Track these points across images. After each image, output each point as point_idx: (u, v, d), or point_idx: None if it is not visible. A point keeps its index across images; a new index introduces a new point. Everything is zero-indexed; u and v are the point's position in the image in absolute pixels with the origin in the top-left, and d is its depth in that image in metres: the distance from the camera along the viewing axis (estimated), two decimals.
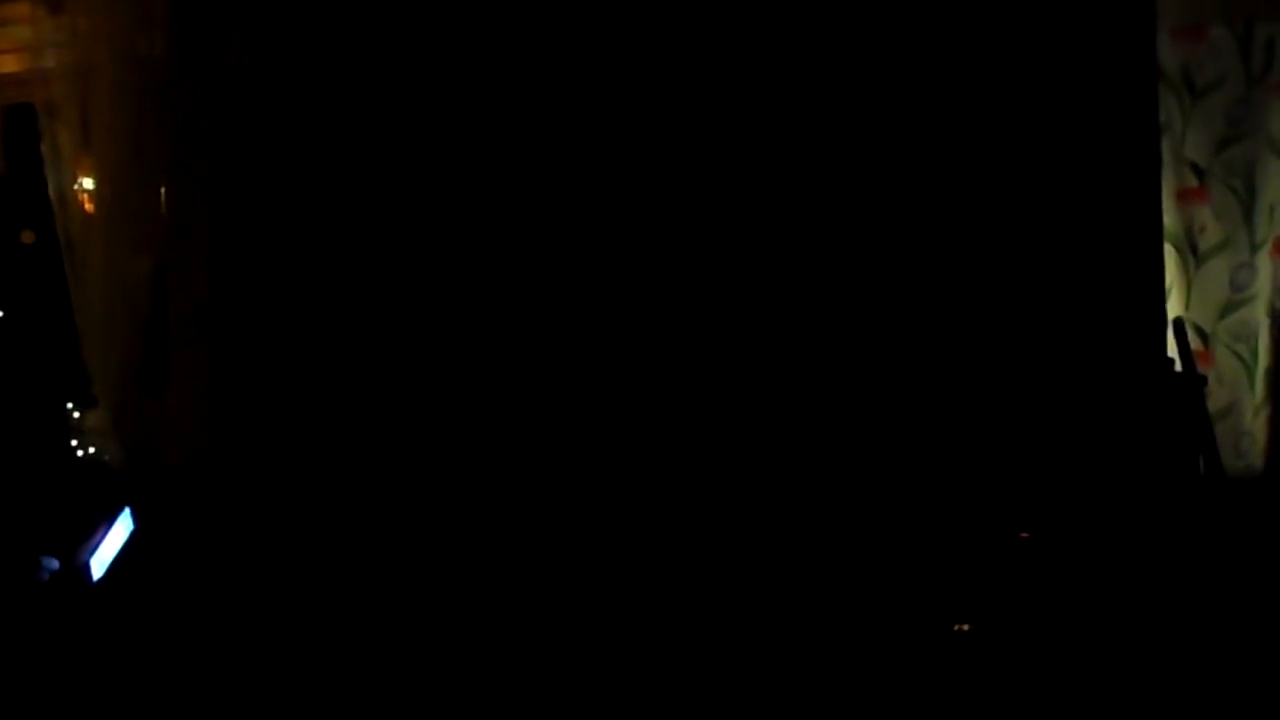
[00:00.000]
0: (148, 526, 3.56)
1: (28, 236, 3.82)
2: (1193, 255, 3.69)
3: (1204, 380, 3.27)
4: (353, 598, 3.32)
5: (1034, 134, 2.98)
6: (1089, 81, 2.97)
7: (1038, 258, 2.95)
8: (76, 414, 3.76)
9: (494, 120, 3.41)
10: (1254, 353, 3.66)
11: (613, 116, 3.29)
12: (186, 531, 3.54)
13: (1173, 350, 3.26)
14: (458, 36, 3.41)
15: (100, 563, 3.28)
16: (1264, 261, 3.69)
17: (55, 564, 3.24)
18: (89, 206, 3.84)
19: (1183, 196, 3.73)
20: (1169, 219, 3.60)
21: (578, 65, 3.29)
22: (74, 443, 3.76)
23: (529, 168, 3.38)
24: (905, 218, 3.03)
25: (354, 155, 3.63)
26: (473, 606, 3.21)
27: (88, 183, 3.83)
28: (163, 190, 3.79)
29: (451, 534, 3.35)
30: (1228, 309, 3.67)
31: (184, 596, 3.40)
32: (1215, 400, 3.49)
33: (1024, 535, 2.84)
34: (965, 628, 2.79)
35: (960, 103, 3.05)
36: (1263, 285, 3.68)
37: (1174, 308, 3.56)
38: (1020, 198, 2.98)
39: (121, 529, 3.44)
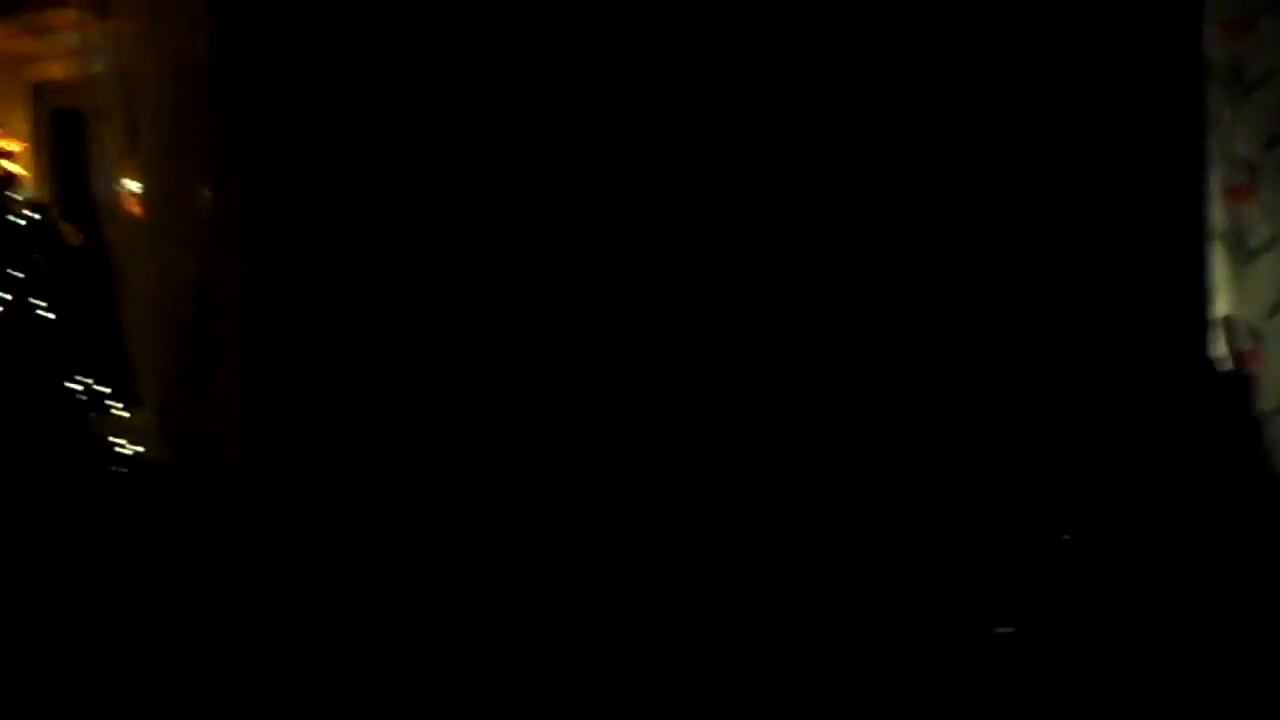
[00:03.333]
0: (193, 523, 3.61)
1: (75, 238, 3.88)
2: (1242, 253, 3.61)
3: (1251, 381, 3.20)
4: (391, 594, 3.34)
5: (1079, 128, 2.94)
6: (1135, 75, 2.92)
7: (1082, 255, 2.91)
8: (125, 413, 3.81)
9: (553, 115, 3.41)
10: None
11: (629, 120, 3.28)
12: (231, 528, 3.58)
13: (1223, 349, 3.20)
14: (501, 32, 3.42)
15: None
16: None
17: None
18: (135, 209, 3.90)
19: (1231, 193, 3.65)
20: (1218, 216, 3.52)
21: (612, 67, 3.29)
22: (119, 441, 3.81)
23: (581, 167, 3.39)
24: (953, 214, 3.00)
25: (396, 155, 3.65)
26: (503, 597, 3.22)
27: (133, 186, 3.89)
28: (207, 193, 3.84)
29: (492, 531, 3.36)
30: (1277, 308, 3.59)
31: (226, 590, 3.44)
32: (1265, 400, 3.41)
33: (1066, 537, 2.80)
34: (1008, 630, 2.75)
35: (1008, 97, 3.01)
36: None
37: (1223, 307, 3.48)
38: (1062, 195, 2.93)
39: None
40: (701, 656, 2.93)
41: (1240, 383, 3.06)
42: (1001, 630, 2.77)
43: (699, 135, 3.22)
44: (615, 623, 3.08)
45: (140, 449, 3.78)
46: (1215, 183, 3.52)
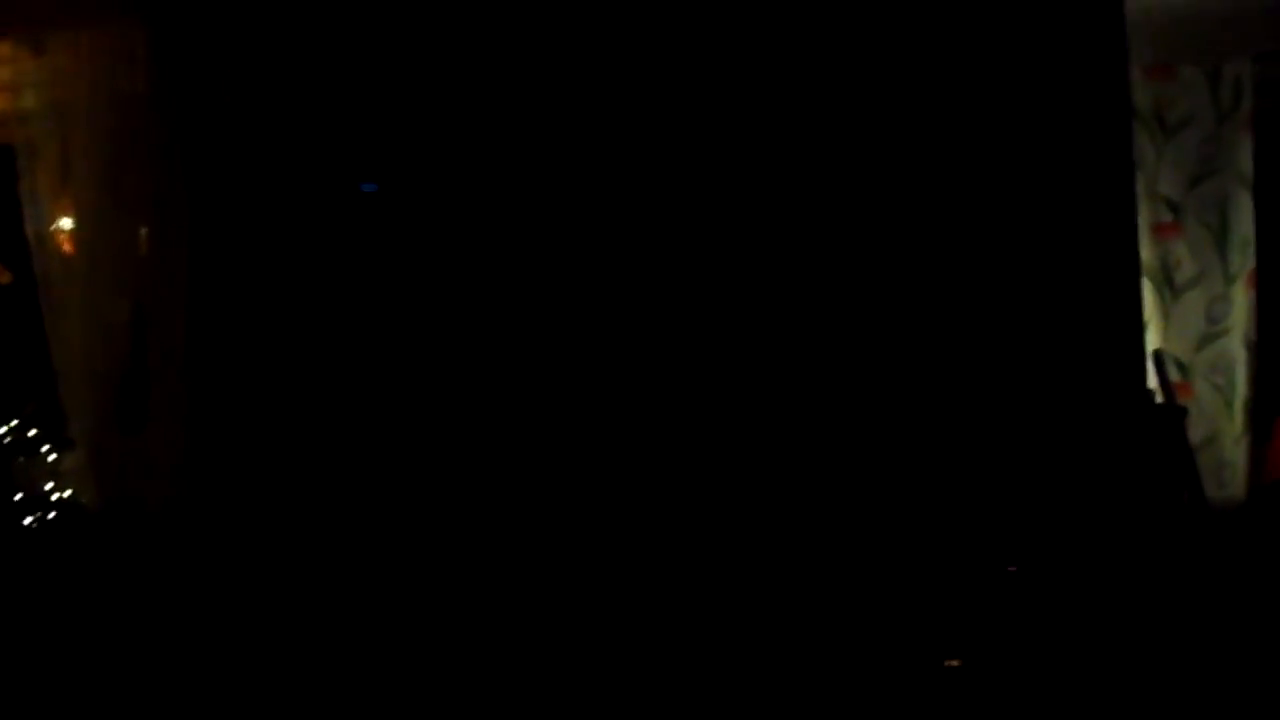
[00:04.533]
0: (126, 568, 3.51)
1: (4, 277, 3.78)
2: (1169, 289, 3.75)
3: (1185, 411, 3.31)
4: (339, 632, 3.28)
5: (1011, 169, 3.02)
6: (1066, 118, 3.02)
7: (1018, 292, 2.98)
8: (53, 456, 3.71)
9: (479, 153, 3.41)
10: (1231, 384, 3.71)
11: (605, 117, 3.29)
12: (166, 572, 3.49)
13: (1153, 382, 3.29)
14: (442, 62, 3.42)
15: None
16: (1239, 294, 3.75)
17: None
18: (67, 246, 3.82)
19: (1158, 231, 3.79)
20: (1145, 253, 3.65)
21: (567, 65, 3.30)
22: (50, 485, 3.70)
23: (511, 196, 3.38)
24: (886, 253, 3.05)
25: (335, 196, 3.63)
26: (459, 641, 3.17)
27: (66, 223, 3.82)
28: (142, 230, 3.78)
29: (439, 571, 3.32)
30: (1205, 341, 3.72)
31: (166, 634, 3.35)
32: (1195, 431, 3.52)
33: (1011, 569, 2.84)
34: (955, 663, 2.78)
35: (938, 141, 3.08)
36: (1238, 318, 3.74)
37: (1152, 341, 3.60)
38: (999, 233, 3.01)
39: None
40: (652, 676, 2.91)
41: (1175, 415, 3.15)
42: (950, 663, 2.80)
43: (649, 148, 3.23)
44: (569, 655, 3.05)
45: (71, 492, 3.67)
46: (1142, 221, 3.65)
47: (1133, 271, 2.96)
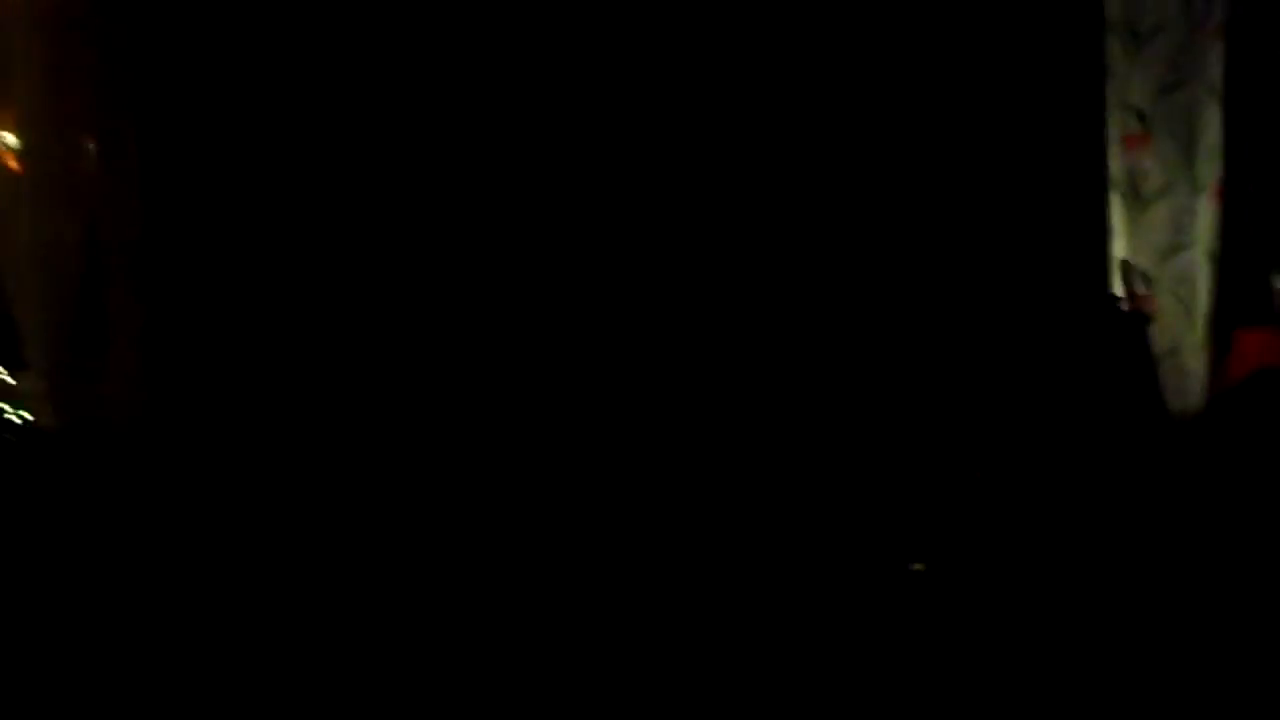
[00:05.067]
0: (88, 489, 3.47)
1: None
2: (1137, 200, 3.73)
3: (1149, 319, 3.32)
4: (292, 561, 3.27)
5: (983, 77, 2.99)
6: (1037, 27, 2.98)
7: (989, 201, 2.97)
8: (8, 378, 3.65)
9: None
10: (1194, 296, 3.72)
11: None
12: (128, 494, 3.45)
13: (1119, 292, 3.30)
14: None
15: None
16: (1205, 206, 3.74)
17: None
18: (12, 164, 3.72)
19: (1127, 142, 3.76)
20: (1113, 164, 3.62)
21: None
22: (4, 407, 3.64)
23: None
24: (862, 164, 3.03)
25: (289, 104, 3.53)
26: (426, 566, 3.18)
27: (9, 138, 3.70)
28: (90, 146, 3.67)
29: (404, 499, 3.31)
30: (1170, 252, 3.72)
31: (123, 559, 3.33)
32: (1159, 342, 3.54)
33: (978, 474, 2.87)
34: (920, 567, 2.82)
35: (911, 52, 3.04)
36: (1203, 230, 3.74)
37: (1118, 251, 3.60)
38: (971, 142, 2.99)
39: None
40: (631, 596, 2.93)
41: (1139, 322, 3.17)
42: (915, 567, 2.83)
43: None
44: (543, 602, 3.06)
45: (28, 415, 3.62)
46: (1111, 132, 3.62)
47: (1101, 181, 2.95)
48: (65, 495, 3.44)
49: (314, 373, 3.45)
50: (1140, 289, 3.51)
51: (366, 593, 3.10)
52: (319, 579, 3.17)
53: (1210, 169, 3.75)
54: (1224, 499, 2.77)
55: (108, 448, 3.57)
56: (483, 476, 3.25)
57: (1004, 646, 2.60)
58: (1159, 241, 3.70)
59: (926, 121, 3.01)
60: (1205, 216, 3.73)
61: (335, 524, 3.28)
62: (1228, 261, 3.74)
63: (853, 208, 3.02)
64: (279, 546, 3.27)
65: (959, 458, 2.93)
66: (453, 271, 3.35)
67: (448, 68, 3.33)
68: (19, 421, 3.57)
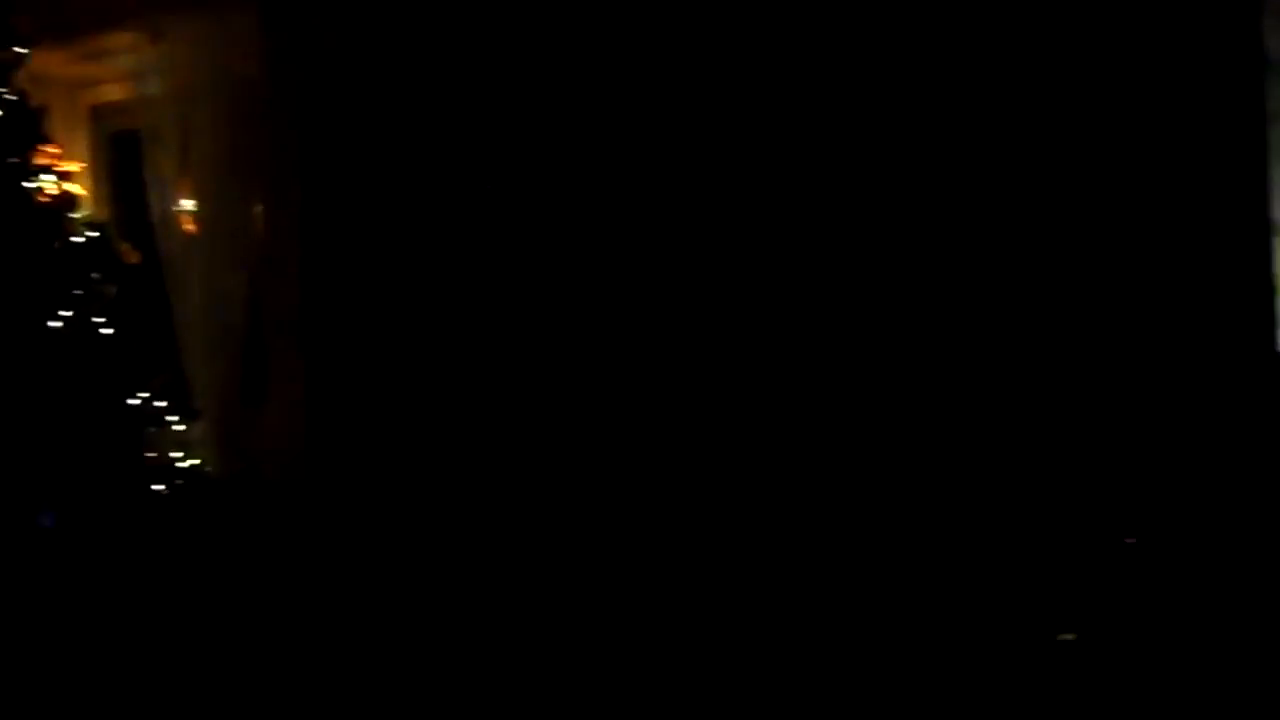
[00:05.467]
0: (250, 535, 3.66)
1: (133, 256, 3.96)
2: None
3: None
4: (443, 608, 3.36)
5: (1142, 122, 2.89)
6: (1195, 67, 2.87)
7: (1150, 251, 2.85)
8: (180, 426, 3.88)
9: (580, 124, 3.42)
10: None
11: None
12: (287, 540, 3.62)
13: None
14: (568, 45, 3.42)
15: None
16: None
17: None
18: (189, 227, 3.98)
19: None
20: (1276, 209, 3.45)
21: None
22: (178, 454, 3.86)
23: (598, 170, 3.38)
24: (1009, 207, 2.95)
25: (444, 171, 3.68)
26: (552, 603, 3.22)
27: (187, 204, 3.97)
28: (257, 209, 3.91)
29: (540, 541, 3.37)
30: None
31: (282, 602, 3.48)
32: None
33: (1130, 540, 2.75)
34: (1070, 637, 2.70)
35: (1069, 90, 2.96)
36: None
37: None
38: (1129, 189, 2.88)
39: None
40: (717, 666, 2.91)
41: None
42: (1064, 637, 2.72)
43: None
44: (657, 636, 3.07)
45: (197, 462, 3.84)
46: (1275, 177, 3.45)
47: (1263, 229, 2.80)
48: (230, 539, 3.63)
49: (468, 424, 3.55)
50: None
51: (529, 637, 3.15)
52: (471, 626, 3.25)
53: None
54: None
55: (269, 495, 3.75)
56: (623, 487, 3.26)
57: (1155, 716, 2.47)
58: None
59: (1085, 172, 2.92)
60: None
61: (487, 568, 3.36)
62: None
63: (1011, 255, 2.93)
64: (433, 590, 3.37)
65: (1112, 523, 2.81)
66: (576, 321, 3.41)
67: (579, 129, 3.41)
68: (189, 468, 3.80)
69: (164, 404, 3.78)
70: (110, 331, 3.69)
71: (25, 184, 3.62)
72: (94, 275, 3.73)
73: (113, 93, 4.31)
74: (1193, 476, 2.79)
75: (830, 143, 3.14)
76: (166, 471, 3.73)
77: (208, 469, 3.84)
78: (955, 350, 3.00)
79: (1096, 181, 2.90)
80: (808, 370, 3.13)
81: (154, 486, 3.67)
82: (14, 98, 3.66)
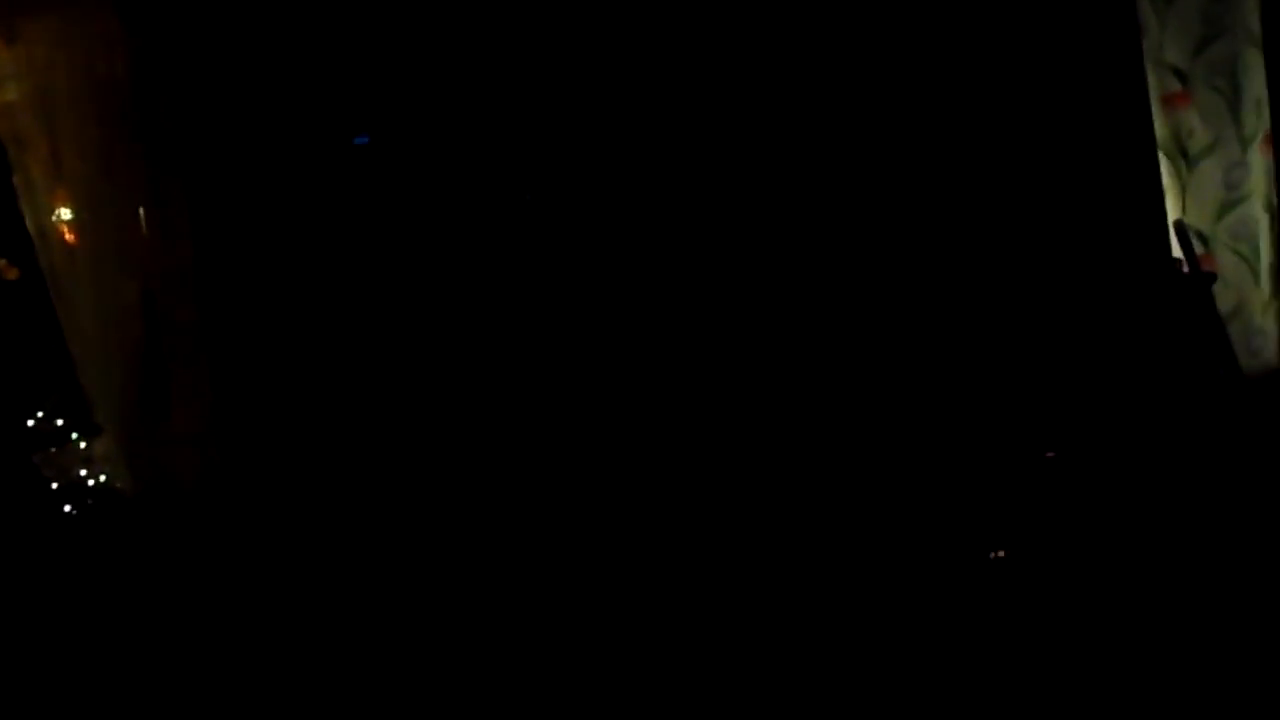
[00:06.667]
0: (164, 549, 3.55)
1: (11, 273, 3.78)
2: (1184, 159, 3.65)
3: (1212, 278, 3.24)
4: (361, 614, 3.31)
5: (1017, 48, 2.94)
6: None
7: (1036, 176, 2.92)
8: (83, 443, 3.74)
9: (483, 131, 3.36)
10: (1256, 250, 3.63)
11: (613, 116, 3.25)
12: (202, 551, 3.52)
13: (1177, 253, 3.23)
14: (443, 36, 3.35)
15: None
16: (1256, 158, 3.65)
17: None
18: (69, 236, 3.81)
19: (1167, 102, 3.68)
20: (1156, 126, 3.55)
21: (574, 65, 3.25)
22: (83, 472, 3.73)
23: (513, 173, 3.35)
24: (910, 140, 2.99)
25: (333, 159, 3.59)
26: (475, 607, 3.20)
27: (65, 213, 3.80)
28: (141, 212, 3.75)
29: (459, 535, 3.34)
30: (1224, 209, 3.63)
31: (202, 614, 3.39)
32: (1222, 302, 3.46)
33: (1049, 455, 2.82)
34: (1001, 554, 2.77)
35: (950, 33, 3.00)
36: (1257, 182, 3.65)
37: (1171, 213, 3.52)
38: (1011, 118, 2.94)
39: None
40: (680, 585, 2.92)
41: (1202, 283, 3.09)
42: (995, 554, 2.79)
43: (658, 144, 3.20)
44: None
45: (105, 478, 3.71)
46: (1150, 92, 3.54)
47: (1148, 144, 2.88)
48: (142, 554, 3.52)
49: (375, 423, 3.49)
50: (1199, 250, 3.43)
51: (427, 653, 3.13)
52: (380, 629, 3.21)
53: (1258, 120, 3.66)
54: None
55: (183, 506, 3.64)
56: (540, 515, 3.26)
57: (1086, 630, 2.55)
58: (1212, 199, 3.61)
59: (970, 101, 2.97)
60: (1258, 168, 3.64)
61: (395, 572, 3.31)
62: None
63: (905, 187, 2.98)
64: (342, 599, 3.32)
65: (1029, 439, 2.89)
66: (492, 326, 3.38)
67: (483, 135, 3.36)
68: (97, 485, 3.66)
69: (62, 422, 3.63)
70: None
71: None
72: None
73: None
74: (1105, 384, 2.87)
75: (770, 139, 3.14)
76: (75, 491, 3.60)
77: (118, 485, 3.71)
78: (878, 274, 3.04)
79: (984, 105, 2.95)
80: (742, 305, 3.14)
81: (64, 508, 3.54)
82: None
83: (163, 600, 3.41)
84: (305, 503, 3.54)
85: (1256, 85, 3.65)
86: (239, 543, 3.54)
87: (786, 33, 3.09)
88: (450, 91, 3.39)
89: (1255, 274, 3.62)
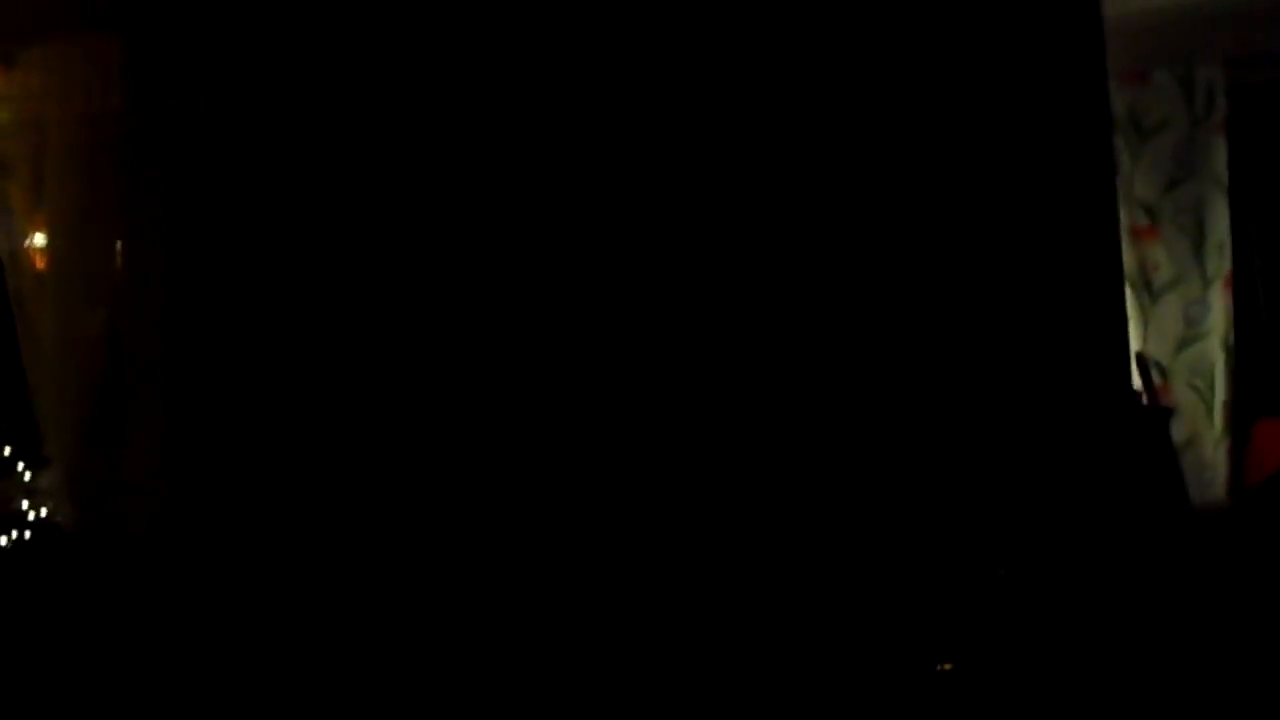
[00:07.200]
0: (107, 588, 3.46)
1: None
2: (1148, 292, 3.78)
3: (1170, 412, 3.33)
4: (315, 660, 3.24)
5: (995, 176, 3.03)
6: (1048, 125, 3.04)
7: (1005, 298, 2.99)
8: (28, 475, 3.66)
9: (468, 163, 3.39)
10: (1211, 386, 3.74)
11: (576, 113, 3.27)
12: (148, 592, 3.44)
13: (1138, 384, 3.32)
14: (428, 74, 3.39)
15: None
16: (1216, 297, 3.79)
17: None
18: (40, 263, 3.78)
19: (1136, 234, 3.82)
20: (1124, 257, 3.67)
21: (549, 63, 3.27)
22: (25, 504, 3.65)
23: (489, 211, 3.36)
24: (873, 260, 3.05)
25: (315, 206, 3.60)
26: (450, 653, 3.15)
27: (39, 239, 3.77)
28: (117, 244, 3.73)
29: (425, 587, 3.29)
30: (1184, 344, 3.75)
31: (141, 658, 3.30)
32: (1177, 433, 3.55)
33: (1001, 571, 2.85)
34: (948, 667, 2.78)
35: (922, 150, 3.09)
36: (1216, 320, 3.78)
37: (1133, 344, 3.63)
38: (986, 240, 3.02)
39: None
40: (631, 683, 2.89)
41: (1160, 416, 3.17)
42: (943, 667, 2.80)
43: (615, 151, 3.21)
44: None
45: (47, 511, 3.62)
46: (1120, 225, 3.67)
47: (1116, 275, 2.98)
48: (81, 593, 3.42)
49: (337, 473, 3.45)
50: (1157, 381, 3.53)
51: (387, 686, 3.07)
52: (335, 676, 3.14)
53: (1220, 260, 3.81)
54: (1255, 596, 2.75)
55: (127, 546, 3.56)
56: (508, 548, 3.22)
57: None
58: (1173, 332, 3.74)
59: (943, 221, 3.05)
60: (1218, 307, 3.77)
61: (352, 620, 3.25)
62: (1243, 351, 3.77)
63: (873, 304, 3.03)
64: (295, 643, 3.25)
65: (982, 555, 2.92)
66: (490, 369, 3.36)
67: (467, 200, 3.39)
68: (37, 519, 3.57)
69: (10, 451, 3.56)
70: None
71: None
72: None
73: None
74: (1061, 508, 2.91)
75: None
76: (13, 522, 3.51)
77: (59, 520, 3.62)
78: (830, 388, 3.07)
79: (958, 226, 3.02)
80: (665, 404, 3.15)
81: None
82: None
83: (85, 641, 3.31)
84: (258, 556, 3.47)
85: (1220, 227, 3.81)
86: (180, 589, 3.45)
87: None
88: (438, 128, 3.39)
89: (1209, 409, 3.73)
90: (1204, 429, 3.69)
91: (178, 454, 3.61)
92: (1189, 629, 2.74)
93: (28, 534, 3.55)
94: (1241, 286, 3.80)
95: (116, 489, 3.65)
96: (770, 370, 3.10)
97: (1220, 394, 3.72)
